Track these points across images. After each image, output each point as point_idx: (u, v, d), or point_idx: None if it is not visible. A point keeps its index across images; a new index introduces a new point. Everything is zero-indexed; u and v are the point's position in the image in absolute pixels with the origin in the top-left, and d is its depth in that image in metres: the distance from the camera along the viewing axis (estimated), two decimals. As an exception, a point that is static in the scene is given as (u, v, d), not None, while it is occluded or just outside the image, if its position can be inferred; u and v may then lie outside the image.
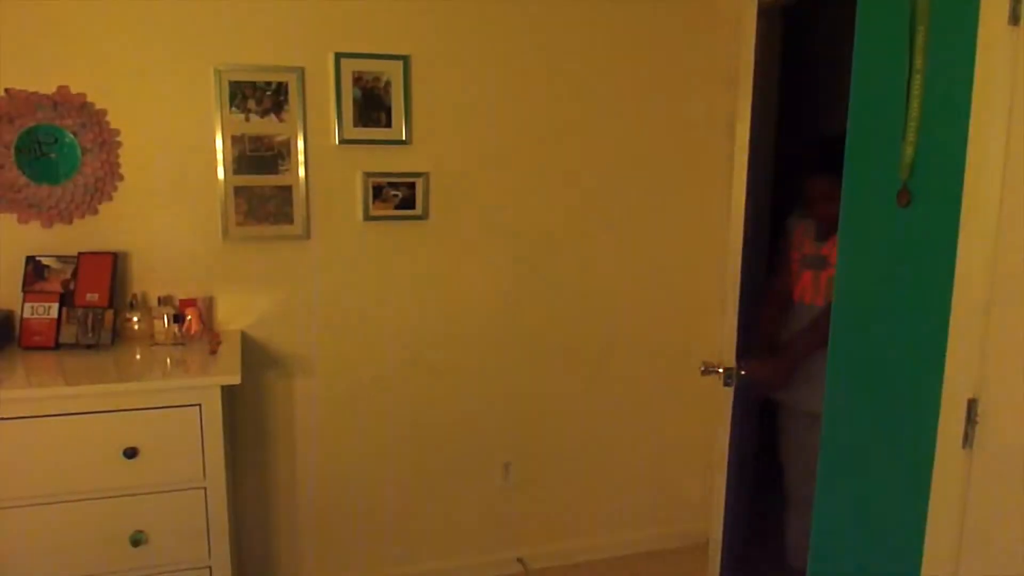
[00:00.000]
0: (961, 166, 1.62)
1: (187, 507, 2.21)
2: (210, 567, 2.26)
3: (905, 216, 1.80)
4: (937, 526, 1.71)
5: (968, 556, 1.65)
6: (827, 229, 2.52)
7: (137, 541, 2.16)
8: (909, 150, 1.76)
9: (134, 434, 2.12)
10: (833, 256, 2.32)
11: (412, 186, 2.70)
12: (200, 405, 2.17)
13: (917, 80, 1.73)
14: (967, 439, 1.62)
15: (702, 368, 2.31)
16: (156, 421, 2.15)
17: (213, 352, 2.37)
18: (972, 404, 1.61)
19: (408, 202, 2.71)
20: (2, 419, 2.03)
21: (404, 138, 2.67)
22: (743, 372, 2.31)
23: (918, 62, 1.72)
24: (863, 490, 2.01)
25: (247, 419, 2.70)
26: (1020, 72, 1.50)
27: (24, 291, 2.37)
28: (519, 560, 3.06)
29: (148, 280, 2.52)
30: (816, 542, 2.20)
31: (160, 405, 2.15)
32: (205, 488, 2.22)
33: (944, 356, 1.67)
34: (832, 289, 2.07)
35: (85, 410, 2.09)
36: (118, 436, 2.11)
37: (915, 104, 1.73)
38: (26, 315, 2.35)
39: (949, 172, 1.65)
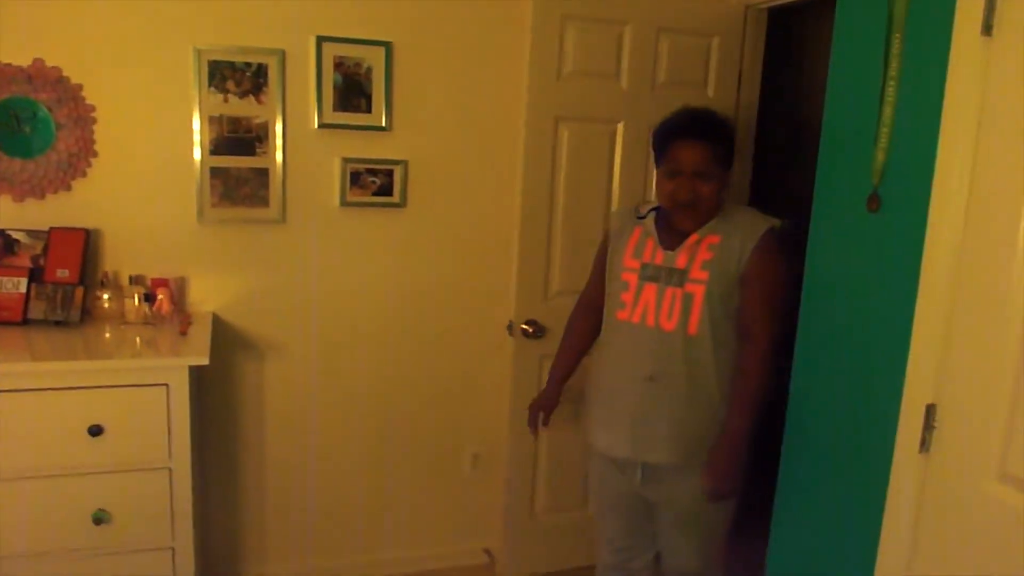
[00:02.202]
0: (930, 173, 1.64)
1: (151, 487, 2.20)
2: (173, 548, 2.25)
3: (874, 221, 1.82)
4: (892, 528, 1.74)
5: (921, 559, 1.68)
6: (677, 233, 2.01)
7: (99, 520, 2.15)
8: (880, 156, 1.78)
9: (100, 412, 2.11)
10: (696, 271, 1.95)
11: (390, 173, 2.69)
12: (167, 385, 2.15)
13: (891, 87, 1.75)
14: (924, 444, 1.65)
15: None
16: (122, 400, 2.13)
17: (183, 333, 2.35)
18: (930, 409, 1.64)
19: (386, 189, 2.70)
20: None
21: (384, 125, 2.66)
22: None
23: (892, 69, 1.74)
24: (822, 492, 2.04)
25: (216, 402, 2.69)
26: (991, 82, 1.52)
27: (-7, 265, 2.35)
28: (486, 551, 3.07)
29: (120, 259, 2.50)
30: (774, 542, 2.23)
31: (127, 384, 2.14)
32: (170, 469, 2.20)
33: (905, 361, 1.69)
34: (702, 314, 1.95)
35: (51, 386, 2.07)
36: (83, 414, 2.10)
37: (888, 110, 1.75)
38: (-6, 289, 2.33)
39: (918, 179, 1.67)
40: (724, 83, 2.85)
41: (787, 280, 1.98)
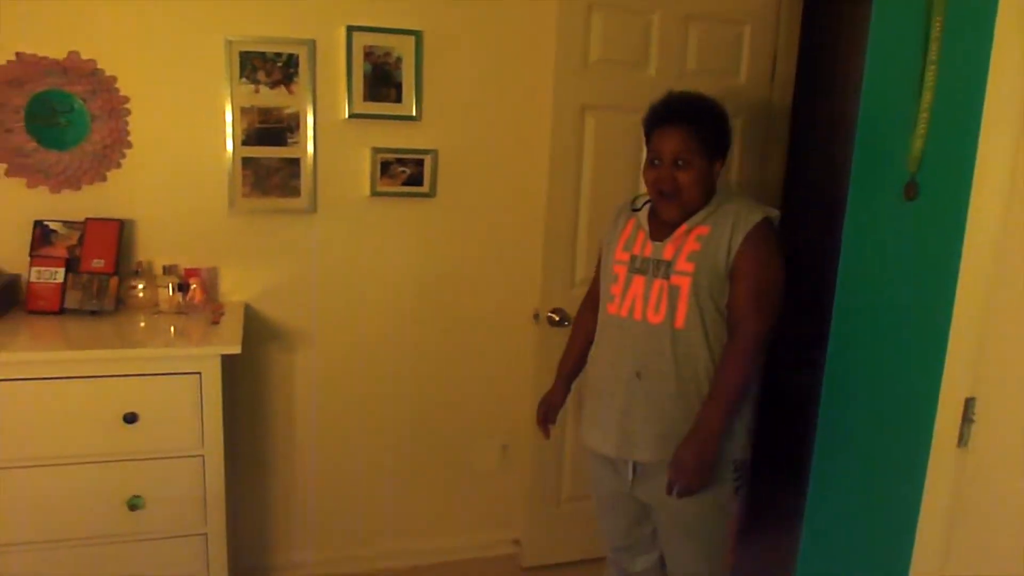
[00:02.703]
0: (971, 161, 1.59)
1: (184, 474, 2.23)
2: (206, 534, 2.29)
3: (911, 210, 1.78)
4: (928, 526, 1.70)
5: (958, 556, 1.65)
6: (667, 224, 1.95)
7: (134, 506, 2.18)
8: (919, 143, 1.73)
9: (134, 400, 2.14)
10: (682, 263, 1.89)
11: (420, 163, 2.69)
12: (200, 374, 2.18)
13: (931, 71, 1.70)
14: (962, 438, 1.61)
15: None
16: (156, 388, 2.17)
17: (215, 322, 2.38)
18: (969, 403, 1.60)
19: (415, 179, 2.70)
20: (5, 380, 2.05)
21: (414, 114, 2.65)
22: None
23: (933, 53, 1.69)
24: (855, 488, 2.00)
25: (247, 390, 2.71)
26: (1035, 66, 1.47)
27: (31, 255, 2.39)
28: (515, 541, 3.08)
29: (154, 248, 2.53)
30: (806, 540, 2.20)
31: (161, 372, 2.17)
32: (203, 456, 2.24)
33: (944, 353, 1.66)
34: (690, 307, 1.88)
35: (87, 374, 2.11)
36: (119, 401, 2.13)
37: (927, 96, 1.71)
38: (32, 279, 2.37)
39: (959, 166, 1.63)
40: (757, 71, 2.81)
41: (781, 273, 1.90)
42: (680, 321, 1.90)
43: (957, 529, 1.65)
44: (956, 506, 1.64)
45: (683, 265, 1.88)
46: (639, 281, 1.96)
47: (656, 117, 1.94)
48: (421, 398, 2.90)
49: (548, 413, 2.27)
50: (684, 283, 1.88)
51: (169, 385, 2.17)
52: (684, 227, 1.91)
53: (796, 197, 3.35)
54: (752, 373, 1.89)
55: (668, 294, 1.90)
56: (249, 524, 2.81)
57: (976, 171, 1.58)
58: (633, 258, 1.99)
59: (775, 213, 1.92)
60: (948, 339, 1.65)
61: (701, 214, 1.91)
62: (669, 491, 1.89)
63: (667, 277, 1.91)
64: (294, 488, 2.84)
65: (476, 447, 2.99)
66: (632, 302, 1.96)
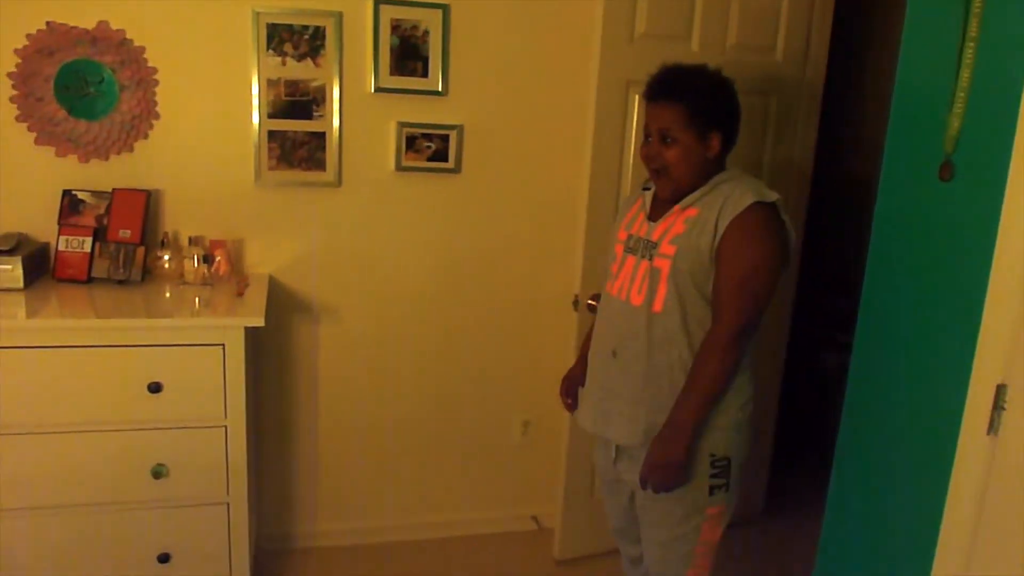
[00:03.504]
0: (1009, 142, 1.54)
1: (208, 444, 2.26)
2: (228, 504, 2.32)
3: (946, 191, 1.73)
4: (954, 514, 1.67)
5: (983, 545, 1.61)
6: (664, 203, 1.88)
7: (158, 473, 2.21)
8: (956, 122, 1.68)
9: (159, 370, 2.17)
10: (665, 245, 1.82)
11: (446, 138, 2.67)
12: (224, 345, 2.20)
13: (970, 48, 1.65)
14: (992, 425, 1.57)
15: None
16: (181, 358, 2.19)
17: (240, 294, 2.39)
18: (1001, 390, 1.56)
19: (441, 154, 2.68)
20: (33, 347, 2.09)
21: (440, 89, 2.63)
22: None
23: (972, 29, 1.64)
24: (881, 469, 1.97)
25: (270, 363, 2.73)
26: (1081, 43, 1.42)
27: (60, 224, 2.41)
28: (533, 518, 3.08)
29: (180, 219, 2.55)
30: (827, 529, 2.17)
31: (185, 343, 2.19)
32: (226, 427, 2.26)
33: (975, 339, 1.61)
34: (668, 291, 1.80)
35: (112, 343, 2.14)
36: (143, 371, 2.16)
37: (965, 74, 1.65)
38: (61, 248, 2.40)
39: (996, 147, 1.58)
40: (792, 48, 2.75)
41: (770, 262, 1.77)
42: (658, 305, 1.83)
43: (985, 519, 1.61)
44: (984, 496, 1.61)
45: (666, 247, 1.82)
46: (631, 261, 1.91)
47: (647, 92, 1.87)
48: (443, 372, 2.90)
49: (568, 388, 2.25)
50: (664, 266, 1.81)
51: (193, 356, 2.19)
52: (676, 208, 1.84)
53: (828, 176, 3.30)
54: (729, 367, 1.78)
55: (650, 276, 1.84)
56: (273, 493, 2.85)
57: (1014, 152, 1.53)
58: (629, 237, 1.95)
59: (772, 196, 1.78)
60: (980, 324, 1.61)
61: (694, 195, 1.82)
62: (642, 484, 1.86)
63: (651, 259, 1.85)
64: (318, 459, 2.87)
65: (497, 423, 2.99)
66: (623, 282, 1.92)
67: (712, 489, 1.85)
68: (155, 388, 2.16)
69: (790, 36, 2.73)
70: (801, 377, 3.47)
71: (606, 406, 1.96)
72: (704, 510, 1.87)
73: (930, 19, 1.78)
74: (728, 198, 1.77)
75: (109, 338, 2.14)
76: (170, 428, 2.22)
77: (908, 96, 1.86)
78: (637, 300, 1.87)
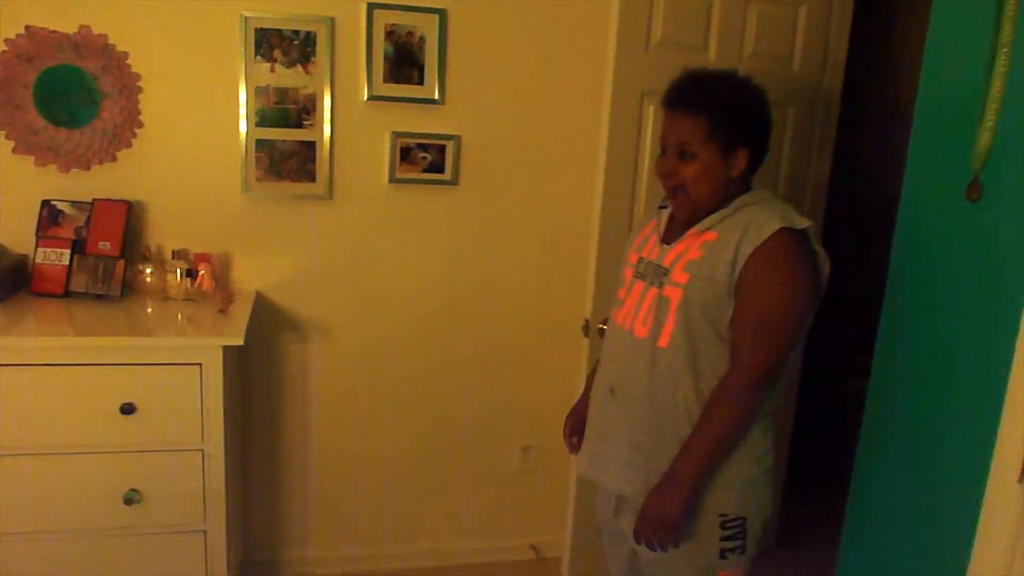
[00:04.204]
0: (1045, 158, 1.39)
1: (184, 468, 2.14)
2: (205, 531, 2.19)
3: (974, 212, 1.58)
4: (983, 565, 1.51)
5: (1014, 605, 1.46)
6: (680, 225, 1.70)
7: (130, 500, 2.10)
8: (986, 136, 1.54)
9: (132, 390, 2.05)
10: (677, 272, 1.63)
11: (442, 149, 2.55)
12: (201, 365, 2.08)
13: (1003, 56, 1.50)
14: (1025, 473, 1.42)
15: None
16: (155, 378, 2.07)
17: (222, 311, 2.28)
18: (1034, 434, 1.41)
19: (437, 166, 2.56)
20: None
21: (436, 98, 2.51)
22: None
23: (1006, 35, 1.49)
24: (899, 510, 1.81)
25: (260, 382, 2.62)
26: None
27: (38, 235, 2.32)
28: (532, 547, 2.94)
29: (164, 232, 2.45)
30: (844, 559, 2.02)
31: (159, 362, 2.07)
32: (203, 450, 2.14)
33: (1007, 375, 1.46)
34: (676, 324, 1.61)
35: (82, 362, 2.03)
36: (116, 391, 2.04)
37: (997, 84, 1.51)
38: (39, 260, 2.30)
39: (1030, 165, 1.43)
40: (810, 57, 2.61)
41: (797, 298, 1.57)
42: (664, 339, 1.63)
43: (1017, 571, 1.46)
44: (1015, 548, 1.45)
45: (678, 275, 1.63)
46: (638, 287, 1.72)
47: (665, 99, 1.68)
48: (441, 395, 2.77)
49: (574, 426, 2.02)
50: (674, 295, 1.62)
51: (168, 376, 2.08)
52: (693, 231, 1.64)
53: (846, 192, 3.15)
54: (743, 417, 1.59)
55: (657, 306, 1.65)
56: (262, 518, 2.73)
57: (1051, 170, 1.38)
58: (640, 260, 1.76)
59: (803, 223, 1.58)
60: (1012, 359, 1.45)
61: (714, 217, 1.63)
62: (636, 539, 1.68)
63: (660, 286, 1.66)
64: (308, 483, 2.75)
65: (496, 448, 2.86)
66: (628, 309, 1.74)
67: (724, 552, 1.65)
68: (128, 409, 2.04)
69: (808, 43, 2.59)
70: (816, 402, 3.31)
71: (601, 449, 1.79)
72: (717, 574, 1.68)
73: (958, 23, 1.64)
74: (751, 223, 1.57)
75: (78, 357, 2.03)
76: (144, 451, 2.10)
77: (932, 108, 1.72)
78: (641, 332, 1.68)
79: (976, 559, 1.52)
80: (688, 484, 1.59)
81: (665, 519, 1.60)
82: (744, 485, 1.65)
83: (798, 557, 3.00)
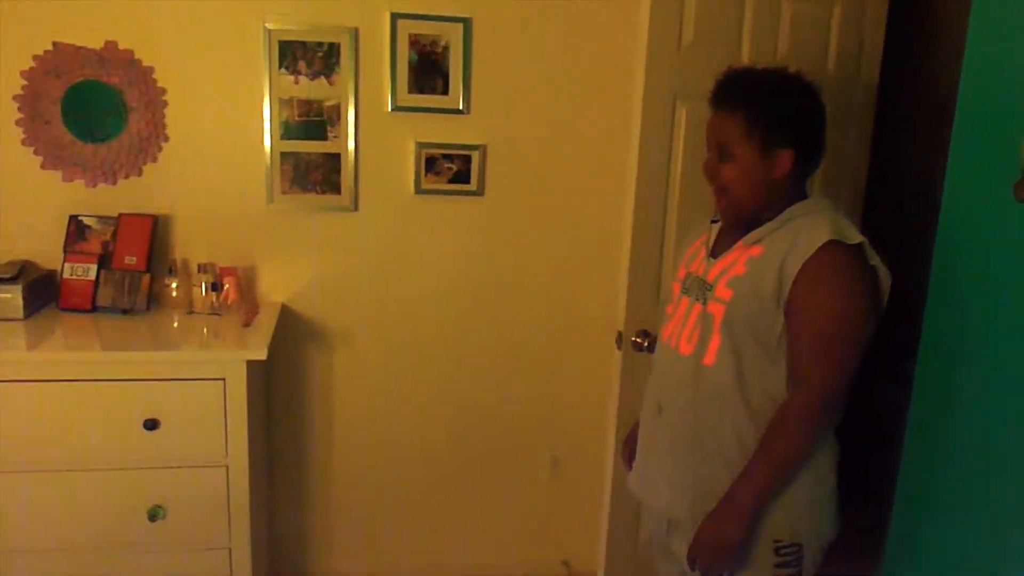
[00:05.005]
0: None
1: (207, 485, 2.12)
2: (230, 548, 2.17)
3: (1022, 213, 1.49)
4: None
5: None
6: (731, 237, 1.63)
7: (154, 516, 2.08)
8: (1034, 132, 1.45)
9: (155, 405, 2.04)
10: (721, 287, 1.56)
11: (468, 159, 2.51)
12: (224, 380, 2.06)
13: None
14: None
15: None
16: (178, 393, 2.06)
17: (247, 324, 2.26)
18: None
19: (463, 176, 2.52)
20: (21, 381, 1.98)
21: (461, 107, 2.48)
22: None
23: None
24: (948, 528, 1.71)
25: (284, 394, 2.60)
26: None
27: (65, 250, 2.32)
28: (564, 563, 2.87)
29: (190, 245, 2.44)
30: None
31: (183, 377, 2.06)
32: (227, 466, 2.11)
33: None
34: (722, 342, 1.53)
35: (106, 377, 2.02)
36: (139, 406, 2.03)
37: (1045, 75, 1.42)
38: (66, 275, 2.30)
39: (1084, 161, 1.34)
40: (844, 55, 2.52)
41: (855, 316, 1.47)
42: (710, 357, 1.56)
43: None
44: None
45: (722, 290, 1.55)
46: (684, 303, 1.66)
47: (710, 99, 1.61)
48: (467, 406, 2.73)
49: (631, 451, 1.92)
50: (718, 312, 1.55)
51: (192, 391, 2.06)
52: (740, 244, 1.57)
53: (885, 191, 3.04)
54: (808, 444, 1.51)
55: (702, 322, 1.58)
56: (288, 530, 2.71)
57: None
58: (687, 275, 1.69)
59: (855, 237, 1.48)
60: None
61: (762, 229, 1.55)
62: (690, 564, 1.61)
63: (705, 302, 1.59)
64: (334, 495, 2.72)
65: (524, 459, 2.80)
66: (674, 326, 1.67)
67: None
68: (151, 425, 2.03)
69: (842, 41, 2.50)
70: (852, 412, 3.19)
71: (649, 468, 1.74)
72: None
73: (1001, 12, 1.55)
74: (800, 236, 1.48)
75: (101, 372, 2.02)
76: (167, 467, 2.09)
77: (975, 104, 1.63)
78: (687, 349, 1.61)
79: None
80: (747, 511, 1.52)
81: (724, 545, 1.53)
82: (801, 509, 1.57)
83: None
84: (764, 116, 1.53)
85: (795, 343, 1.50)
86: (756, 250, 1.54)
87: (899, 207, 3.30)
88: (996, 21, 1.58)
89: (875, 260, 1.51)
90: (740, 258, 1.56)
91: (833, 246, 1.45)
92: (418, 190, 2.51)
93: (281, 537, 2.69)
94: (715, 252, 1.65)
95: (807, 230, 1.49)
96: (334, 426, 2.66)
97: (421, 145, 2.48)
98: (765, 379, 1.53)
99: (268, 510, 2.61)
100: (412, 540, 2.80)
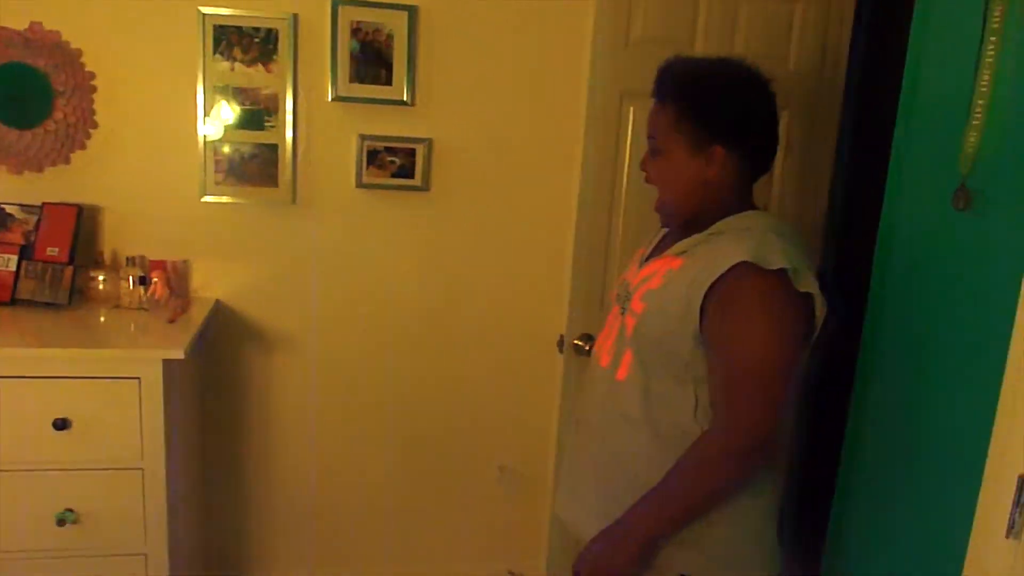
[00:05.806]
0: (1039, 162, 1.21)
1: (122, 488, 2.01)
2: (145, 554, 2.07)
3: (962, 222, 1.39)
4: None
5: None
6: (670, 241, 1.51)
7: (63, 520, 1.98)
8: (973, 137, 1.35)
9: (66, 404, 1.93)
10: (636, 299, 1.44)
11: (412, 153, 2.41)
12: (139, 379, 1.96)
13: (991, 45, 1.31)
14: (1012, 526, 1.22)
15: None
16: (90, 392, 1.95)
17: (172, 321, 2.16)
18: (1023, 482, 1.21)
19: (407, 171, 2.42)
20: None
21: (406, 99, 2.38)
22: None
23: (995, 20, 1.30)
24: (877, 557, 1.62)
25: (219, 394, 2.50)
26: None
27: (-14, 240, 2.23)
28: (510, 573, 2.78)
29: (120, 237, 2.35)
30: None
31: (95, 375, 1.95)
32: (142, 469, 2.01)
33: (992, 414, 1.27)
34: (633, 358, 1.42)
35: (12, 374, 1.92)
36: (48, 405, 1.92)
37: (985, 76, 1.32)
38: (-14, 266, 2.21)
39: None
40: (807, 56, 2.41)
41: (771, 347, 1.31)
42: (623, 371, 1.45)
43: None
44: (1002, 611, 1.26)
45: (636, 302, 1.44)
46: (615, 311, 1.54)
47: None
48: (411, 413, 2.63)
49: None
50: (630, 325, 1.43)
51: (104, 390, 1.96)
52: (667, 253, 1.45)
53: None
54: (722, 485, 1.35)
55: (620, 334, 1.47)
56: (224, 537, 2.61)
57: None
58: (623, 281, 1.57)
59: (776, 262, 1.29)
60: (1000, 393, 1.26)
61: (690, 240, 1.42)
62: None
63: (623, 312, 1.47)
64: (271, 503, 2.62)
65: (471, 467, 2.70)
66: (601, 338, 1.56)
67: None
68: (61, 425, 1.93)
69: (804, 41, 2.40)
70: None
71: (565, 485, 1.63)
72: None
73: (943, 7, 1.45)
74: (717, 254, 1.34)
75: (9, 368, 1.92)
76: (79, 470, 1.98)
77: (915, 106, 1.53)
78: (605, 361, 1.50)
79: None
80: (637, 542, 1.37)
81: (608, 569, 1.40)
82: (724, 550, 1.42)
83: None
84: (697, 108, 1.40)
85: (711, 375, 1.36)
86: (677, 263, 1.42)
87: (861, 215, 3.20)
88: (937, 19, 1.47)
89: (809, 286, 1.33)
90: (661, 269, 1.44)
91: (745, 269, 1.30)
92: (359, 184, 2.41)
93: (216, 545, 2.60)
94: (650, 257, 1.54)
95: (725, 249, 1.34)
96: (273, 430, 2.56)
97: (363, 137, 2.38)
98: (671, 402, 1.40)
99: (201, 518, 2.52)
100: (353, 549, 2.70)
